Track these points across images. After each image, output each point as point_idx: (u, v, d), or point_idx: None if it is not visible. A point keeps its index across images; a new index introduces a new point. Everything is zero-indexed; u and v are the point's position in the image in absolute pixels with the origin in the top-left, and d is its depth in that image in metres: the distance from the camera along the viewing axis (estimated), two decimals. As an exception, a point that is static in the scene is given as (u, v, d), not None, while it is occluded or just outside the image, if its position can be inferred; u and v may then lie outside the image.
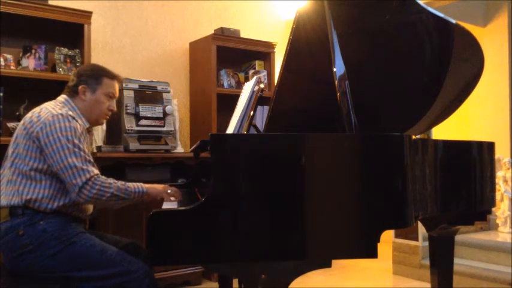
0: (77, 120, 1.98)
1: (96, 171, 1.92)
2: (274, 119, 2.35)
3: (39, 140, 1.89)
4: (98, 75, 2.10)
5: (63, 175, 1.86)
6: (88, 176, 1.86)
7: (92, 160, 1.95)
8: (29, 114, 2.00)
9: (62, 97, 2.10)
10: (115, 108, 2.18)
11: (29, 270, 1.86)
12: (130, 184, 1.97)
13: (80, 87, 2.07)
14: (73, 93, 2.09)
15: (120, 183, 1.93)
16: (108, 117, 2.19)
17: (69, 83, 2.12)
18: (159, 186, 2.08)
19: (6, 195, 1.92)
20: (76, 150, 1.88)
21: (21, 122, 2.01)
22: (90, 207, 2.10)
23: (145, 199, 2.02)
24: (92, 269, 1.85)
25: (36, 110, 2.01)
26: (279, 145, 1.61)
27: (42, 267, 1.85)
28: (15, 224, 1.87)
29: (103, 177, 1.91)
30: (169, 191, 2.07)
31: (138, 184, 1.99)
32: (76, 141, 1.90)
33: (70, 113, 1.98)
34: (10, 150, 1.98)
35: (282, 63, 2.31)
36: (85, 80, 2.08)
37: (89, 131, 2.12)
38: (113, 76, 2.15)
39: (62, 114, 1.93)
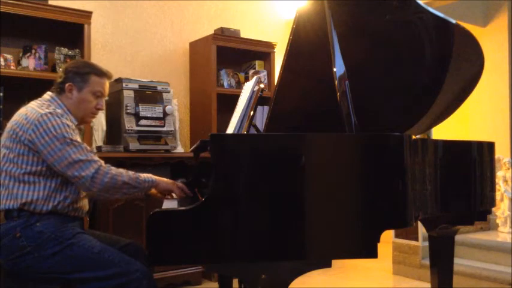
0: (66, 118, 1.94)
1: (101, 160, 1.91)
2: (274, 119, 2.35)
3: (33, 142, 1.85)
4: (85, 72, 2.03)
5: (69, 171, 1.84)
6: (97, 165, 1.85)
7: (93, 152, 1.94)
8: (16, 117, 1.95)
9: (48, 94, 2.05)
10: (103, 107, 2.11)
11: (28, 271, 1.86)
12: (140, 174, 1.97)
13: (66, 84, 2.01)
14: (60, 90, 2.03)
15: (131, 172, 1.93)
16: (95, 116, 2.14)
17: (57, 79, 2.06)
18: (167, 180, 2.08)
19: (1, 198, 1.90)
20: (76, 144, 1.87)
21: (8, 125, 1.95)
22: (86, 205, 2.08)
23: (153, 192, 2.04)
24: (90, 270, 1.84)
25: (22, 111, 1.95)
26: (279, 145, 1.61)
27: (41, 268, 1.84)
28: (12, 227, 1.86)
29: (112, 167, 1.92)
30: (177, 184, 2.08)
31: (148, 174, 2.00)
32: (74, 136, 1.89)
33: (58, 110, 1.94)
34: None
35: (282, 63, 2.31)
36: (72, 77, 2.02)
37: (79, 128, 2.09)
38: (101, 74, 2.06)
39: (50, 113, 1.88)
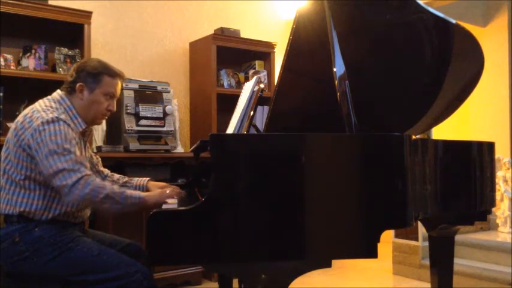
0: (69, 124, 1.87)
1: (90, 172, 1.83)
2: (274, 119, 2.35)
3: (30, 147, 1.82)
4: (97, 73, 1.96)
5: (54, 180, 1.78)
6: (79, 175, 1.77)
7: (84, 162, 1.85)
8: (21, 118, 1.90)
9: (58, 94, 1.98)
10: (114, 109, 2.04)
11: (27, 274, 1.85)
12: (127, 189, 1.88)
13: (77, 85, 1.95)
14: (71, 90, 1.97)
15: (116, 187, 1.86)
16: (106, 117, 2.07)
17: (68, 77, 2.00)
18: (155, 193, 1.98)
19: (0, 202, 1.88)
20: (66, 153, 1.78)
21: (13, 125, 1.91)
22: (87, 213, 2.05)
23: (143, 206, 1.91)
24: (89, 274, 1.82)
25: (28, 113, 1.89)
26: (279, 145, 1.61)
27: (40, 272, 1.83)
28: (11, 231, 1.84)
29: (98, 179, 1.85)
30: (167, 191, 1.98)
31: (136, 192, 1.91)
32: (66, 145, 1.80)
33: (63, 115, 1.88)
34: (2, 154, 1.91)
35: (282, 63, 2.31)
36: (83, 77, 1.95)
37: (85, 132, 2.02)
38: (114, 74, 2.00)
39: (52, 119, 1.82)
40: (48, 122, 1.82)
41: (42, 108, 1.90)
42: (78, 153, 1.86)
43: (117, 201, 1.81)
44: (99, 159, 2.24)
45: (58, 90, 2.01)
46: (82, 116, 1.98)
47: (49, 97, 1.98)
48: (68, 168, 1.77)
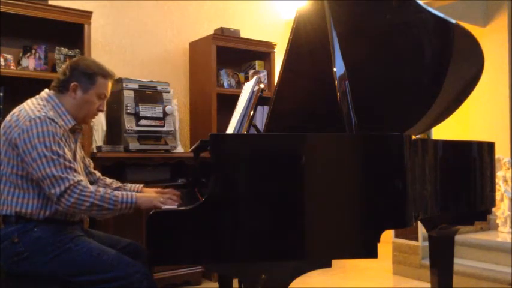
0: (56, 122, 1.85)
1: (78, 177, 1.80)
2: (274, 119, 2.35)
3: (17, 146, 1.81)
4: (92, 73, 1.95)
5: (42, 184, 1.78)
6: (67, 184, 1.76)
7: (73, 166, 1.82)
8: (8, 117, 1.90)
9: (46, 93, 1.97)
10: (104, 109, 2.05)
11: (27, 274, 1.85)
12: (117, 193, 1.84)
13: (71, 84, 1.93)
14: (62, 88, 1.95)
15: (104, 191, 1.82)
16: (95, 116, 2.08)
17: (60, 75, 1.98)
18: (151, 196, 1.95)
19: None
20: (55, 157, 1.77)
21: (2, 125, 1.91)
22: None
23: (137, 209, 1.88)
24: (89, 274, 1.82)
25: (16, 112, 1.90)
26: (279, 145, 1.61)
27: (40, 273, 1.83)
28: (10, 232, 1.84)
29: (85, 185, 1.81)
30: (161, 199, 1.90)
31: (128, 194, 1.87)
32: (55, 147, 1.79)
33: (50, 113, 1.87)
34: None
35: (282, 63, 2.31)
36: (77, 76, 1.94)
37: (75, 130, 2.00)
38: (107, 75, 2.00)
39: (39, 118, 1.80)
40: (35, 121, 1.81)
41: (30, 106, 1.89)
42: (68, 152, 1.86)
43: (105, 208, 1.81)
44: (91, 161, 2.24)
45: (46, 89, 2.00)
46: (72, 114, 1.96)
47: (36, 96, 1.98)
48: (56, 176, 1.77)
